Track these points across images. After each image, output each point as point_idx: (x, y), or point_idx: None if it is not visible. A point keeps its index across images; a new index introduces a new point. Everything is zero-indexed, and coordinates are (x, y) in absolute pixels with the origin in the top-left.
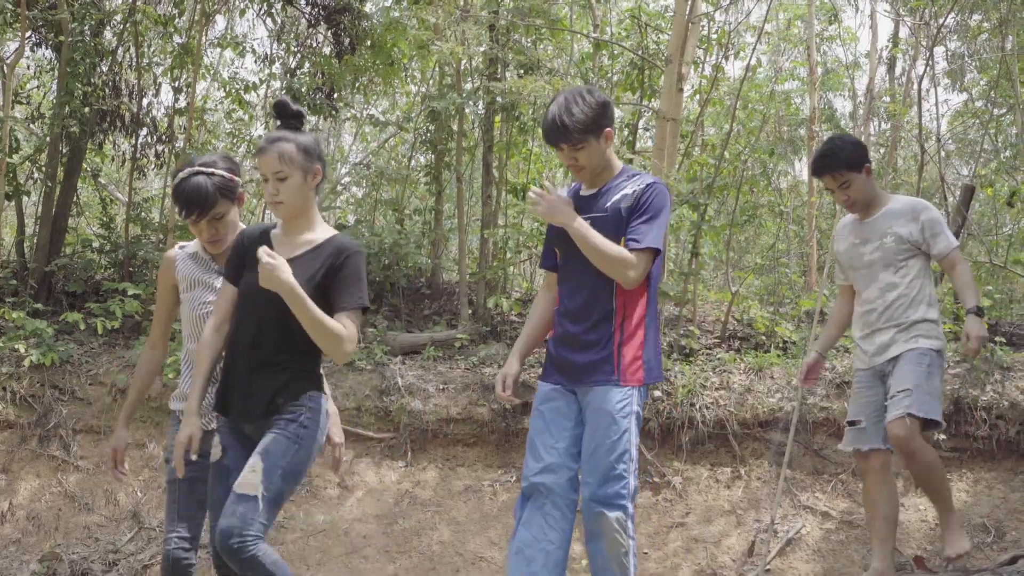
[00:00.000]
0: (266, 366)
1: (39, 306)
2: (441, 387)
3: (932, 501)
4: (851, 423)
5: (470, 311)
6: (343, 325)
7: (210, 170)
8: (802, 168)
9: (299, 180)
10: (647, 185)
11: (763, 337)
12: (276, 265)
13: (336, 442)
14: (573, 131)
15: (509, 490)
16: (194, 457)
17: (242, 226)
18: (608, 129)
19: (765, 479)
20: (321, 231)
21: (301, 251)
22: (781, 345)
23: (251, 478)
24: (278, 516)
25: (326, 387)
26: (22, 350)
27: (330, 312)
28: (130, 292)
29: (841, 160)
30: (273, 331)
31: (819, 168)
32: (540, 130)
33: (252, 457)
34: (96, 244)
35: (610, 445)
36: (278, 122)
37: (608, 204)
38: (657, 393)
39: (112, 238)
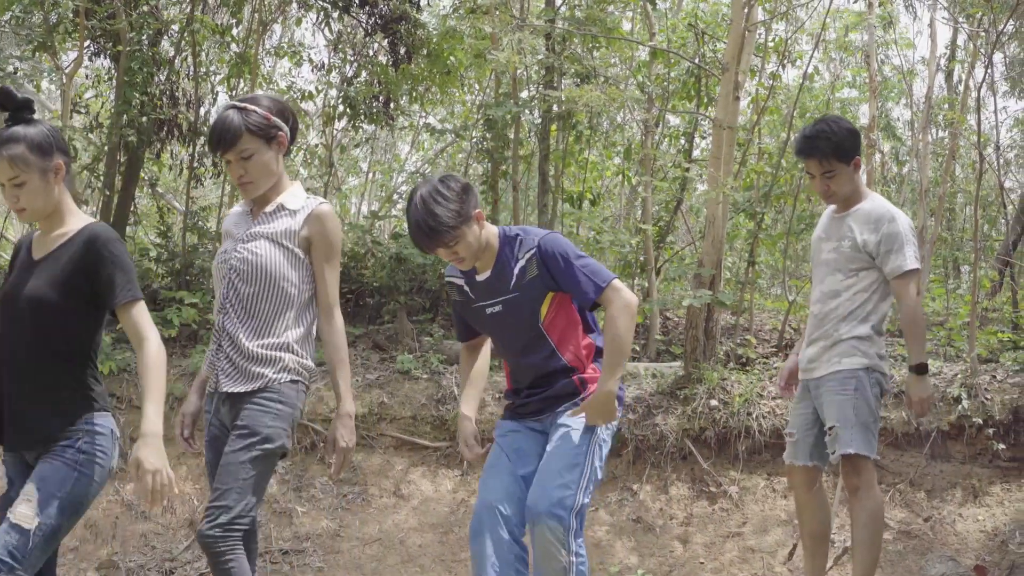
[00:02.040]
0: (34, 388)
1: None
2: (496, 396)
3: (855, 552)
4: (787, 433)
5: None
6: (138, 329)
7: (244, 105)
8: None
9: (38, 182)
10: (539, 246)
11: None
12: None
13: (340, 446)
14: (444, 232)
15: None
16: None
17: (289, 180)
18: (477, 211)
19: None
20: (75, 222)
21: (52, 248)
22: None
23: (26, 509)
24: (334, 524)
25: (106, 404)
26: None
27: (100, 314)
28: (187, 301)
29: (832, 146)
30: (35, 348)
31: (805, 150)
32: (595, 139)
33: (27, 484)
34: (153, 253)
35: (563, 453)
36: (5, 116)
37: (513, 282)
38: (713, 402)
39: (169, 247)
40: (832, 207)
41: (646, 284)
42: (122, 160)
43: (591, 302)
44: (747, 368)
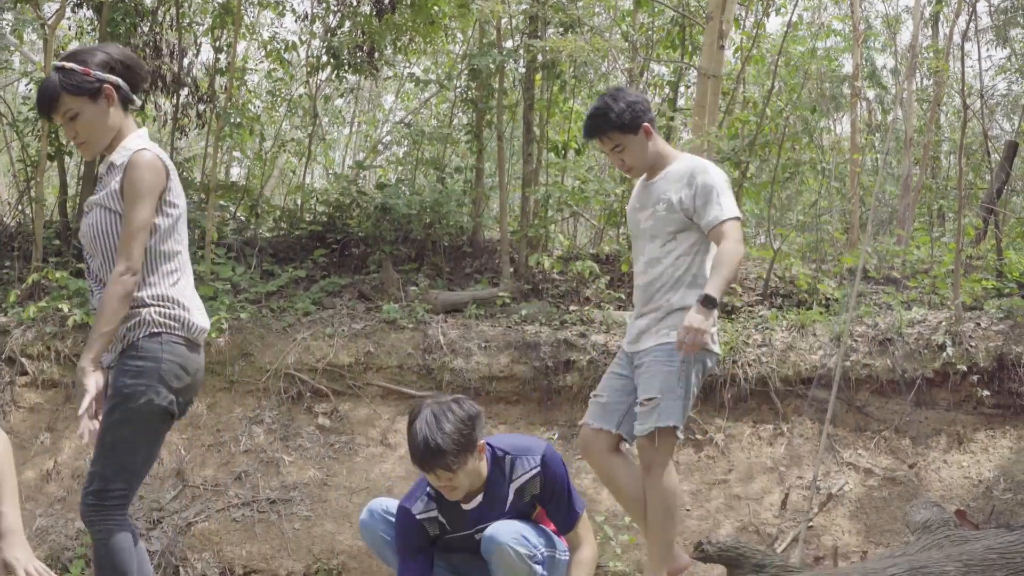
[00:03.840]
0: None
1: (82, 266)
2: (483, 345)
3: (648, 530)
4: (595, 394)
5: (511, 269)
6: None
7: (62, 64)
8: (844, 125)
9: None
10: (543, 464)
11: (805, 294)
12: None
13: (80, 414)
14: (449, 453)
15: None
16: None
17: (135, 128)
18: (482, 442)
19: (807, 436)
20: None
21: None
22: (823, 302)
23: None
24: (321, 473)
25: None
26: (65, 309)
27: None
28: None
29: (611, 122)
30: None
31: (588, 130)
32: (580, 89)
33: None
34: None
35: None
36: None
37: (508, 505)
38: None
39: None
40: (642, 177)
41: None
42: None
43: (568, 531)
44: (732, 316)
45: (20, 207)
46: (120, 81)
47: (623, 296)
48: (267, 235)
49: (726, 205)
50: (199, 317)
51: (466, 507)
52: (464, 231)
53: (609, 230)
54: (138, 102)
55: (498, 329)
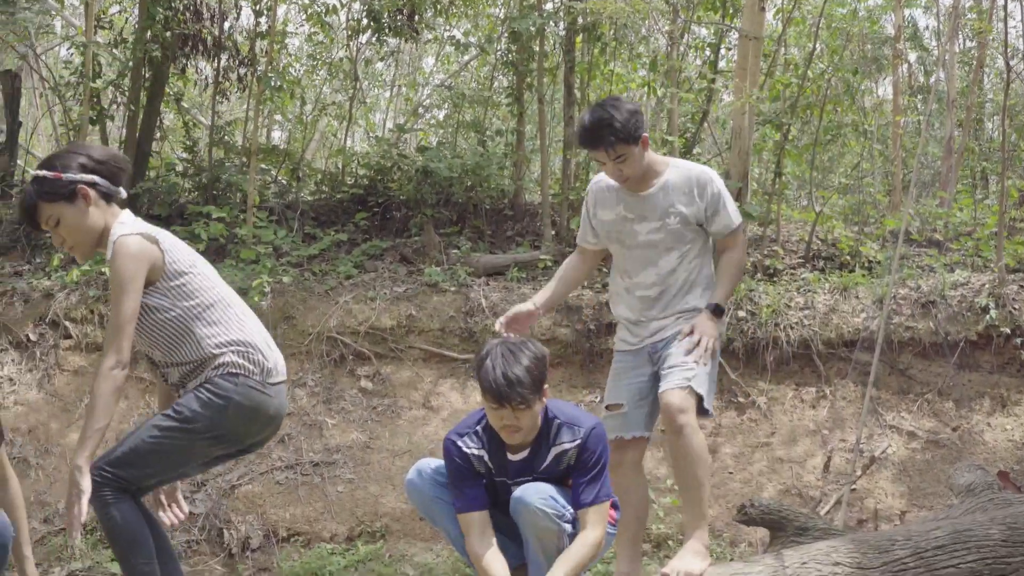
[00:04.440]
0: None
1: None
2: None
3: (684, 498)
4: (611, 407)
5: (553, 232)
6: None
7: (35, 173)
8: (886, 87)
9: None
10: (586, 439)
11: (847, 257)
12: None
13: (71, 508)
14: (524, 391)
15: (595, 410)
16: None
17: (120, 229)
18: (546, 387)
19: (850, 399)
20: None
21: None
22: (866, 264)
23: None
24: (364, 436)
25: None
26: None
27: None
28: (214, 215)
29: (617, 132)
30: None
31: (590, 141)
32: (621, 51)
33: None
34: (180, 168)
35: None
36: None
37: (545, 466)
38: (741, 313)
39: (196, 161)
40: (616, 184)
41: None
42: (147, 76)
43: (580, 507)
44: (775, 279)
45: None
46: (95, 179)
47: None
48: (309, 198)
49: (732, 212)
50: (275, 359)
51: (512, 457)
52: (505, 194)
53: None
54: (123, 194)
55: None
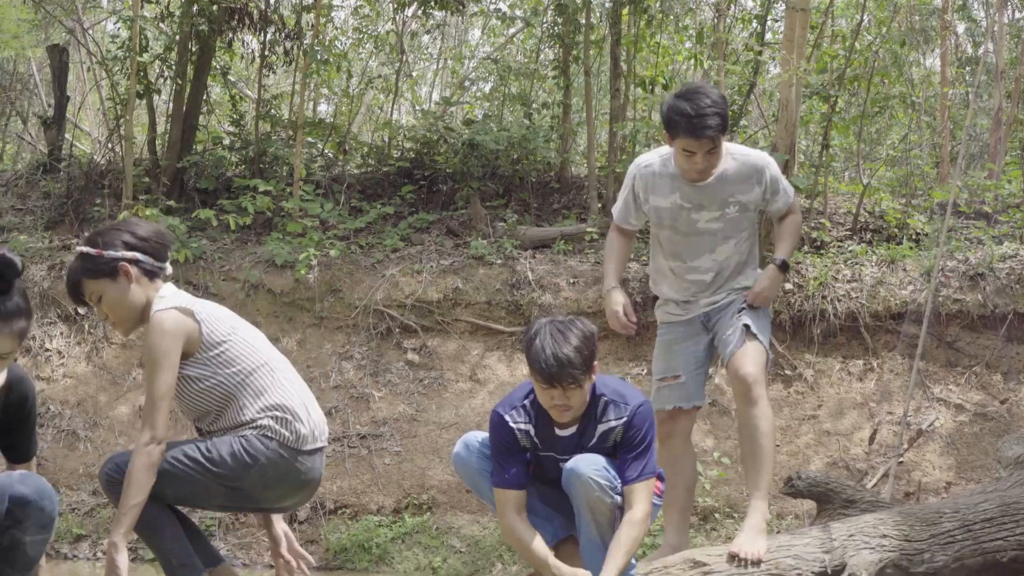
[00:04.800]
0: None
1: (172, 203)
2: (571, 281)
3: (751, 468)
4: (667, 378)
5: (599, 205)
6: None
7: (80, 249)
8: (934, 59)
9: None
10: (633, 416)
11: (895, 229)
12: None
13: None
14: (576, 369)
15: (640, 382)
16: None
17: (157, 304)
18: (596, 363)
19: (897, 372)
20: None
21: None
22: (913, 237)
23: None
24: (411, 409)
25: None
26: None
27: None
28: (261, 188)
29: (722, 121)
30: None
31: (698, 130)
32: (667, 23)
33: None
34: (226, 141)
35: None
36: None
37: (594, 442)
38: (788, 286)
39: (242, 135)
40: (666, 166)
41: None
42: (193, 49)
43: (626, 483)
44: (822, 252)
45: (110, 145)
46: (138, 256)
47: None
48: (355, 172)
49: (787, 188)
50: (313, 424)
51: (560, 433)
52: (551, 167)
53: None
54: (167, 270)
55: (586, 265)
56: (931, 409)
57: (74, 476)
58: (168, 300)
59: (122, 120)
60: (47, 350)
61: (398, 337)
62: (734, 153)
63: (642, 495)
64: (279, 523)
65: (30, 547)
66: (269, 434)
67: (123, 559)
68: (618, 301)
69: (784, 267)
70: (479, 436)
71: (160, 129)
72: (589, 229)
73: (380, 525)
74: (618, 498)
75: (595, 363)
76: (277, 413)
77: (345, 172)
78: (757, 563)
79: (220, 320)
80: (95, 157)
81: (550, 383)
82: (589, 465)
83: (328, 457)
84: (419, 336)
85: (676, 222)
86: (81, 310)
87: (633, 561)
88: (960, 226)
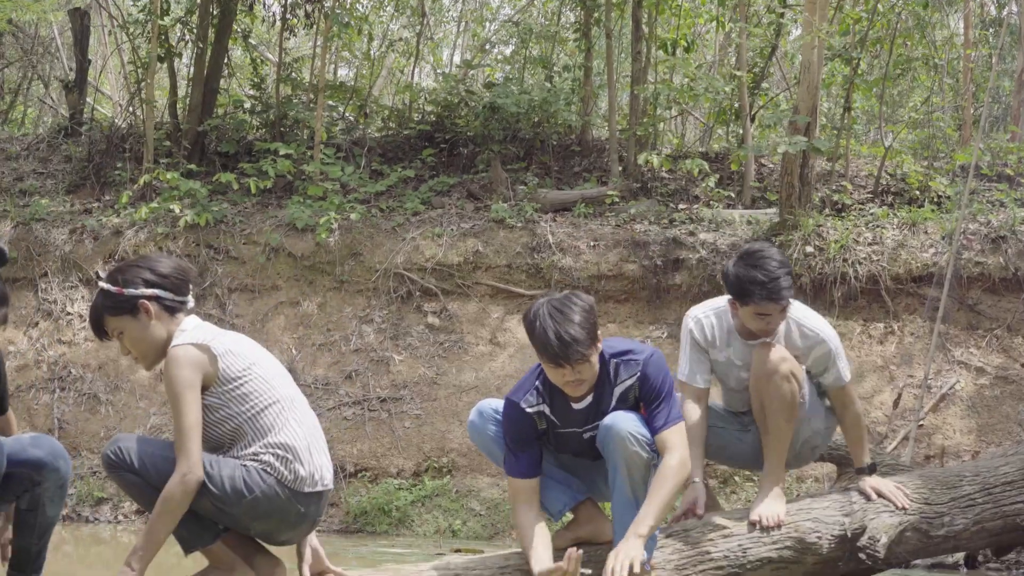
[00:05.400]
0: None
1: (193, 167)
2: (592, 244)
3: (771, 433)
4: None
5: (620, 168)
6: None
7: (101, 285)
8: (957, 20)
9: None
10: (644, 369)
11: (916, 192)
12: None
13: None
14: (581, 345)
15: (660, 345)
16: None
17: (177, 338)
18: (599, 333)
19: (918, 335)
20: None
21: None
22: (935, 200)
23: None
24: (431, 372)
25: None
26: (177, 210)
27: None
28: (282, 152)
29: (791, 282)
30: None
31: (775, 294)
32: None
33: None
34: (247, 105)
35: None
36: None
37: (612, 406)
38: (809, 249)
39: (263, 98)
40: (730, 326)
41: (741, 131)
42: (214, 13)
43: (656, 433)
44: (843, 214)
45: (131, 108)
46: (158, 292)
47: (732, 195)
48: (376, 135)
49: (843, 368)
50: (314, 467)
51: (576, 406)
52: (572, 130)
53: (718, 128)
54: (190, 304)
55: (607, 228)
56: (952, 372)
57: (95, 439)
58: (187, 335)
59: (143, 84)
60: (68, 314)
61: (418, 300)
62: (797, 318)
63: (674, 440)
64: (310, 535)
65: (49, 508)
66: (269, 470)
67: None
68: (690, 499)
69: (871, 470)
70: (493, 404)
71: (181, 93)
72: (610, 192)
73: (400, 488)
74: (654, 454)
75: (599, 332)
76: (279, 451)
77: (366, 135)
78: (777, 527)
79: (238, 355)
80: (116, 121)
81: (558, 363)
82: (624, 421)
83: (348, 420)
84: (439, 299)
85: (726, 377)
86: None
87: (657, 534)
88: (982, 189)
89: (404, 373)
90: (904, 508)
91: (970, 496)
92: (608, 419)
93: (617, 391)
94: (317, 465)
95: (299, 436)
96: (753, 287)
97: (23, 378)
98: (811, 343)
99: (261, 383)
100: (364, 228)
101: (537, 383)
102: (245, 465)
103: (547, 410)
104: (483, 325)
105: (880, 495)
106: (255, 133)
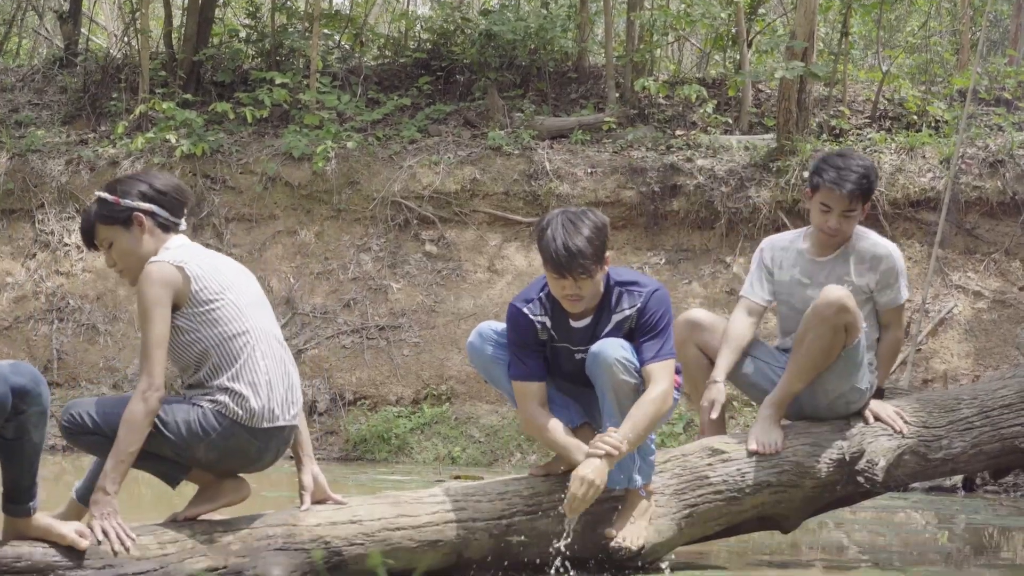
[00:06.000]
0: None
1: (188, 96)
2: (589, 171)
3: (800, 368)
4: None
5: (617, 94)
6: None
7: (99, 194)
8: None
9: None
10: (646, 302)
11: (914, 116)
12: None
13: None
14: (586, 260)
15: (659, 271)
16: None
17: (159, 255)
18: (608, 255)
19: (916, 259)
20: None
21: None
22: (933, 124)
23: None
24: (429, 300)
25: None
26: (173, 140)
27: None
28: (278, 81)
29: (870, 188)
30: None
31: (842, 183)
32: None
33: None
34: (243, 34)
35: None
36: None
37: (608, 330)
38: (806, 174)
39: (258, 27)
40: (798, 240)
41: (738, 56)
42: None
43: (644, 364)
44: (840, 139)
45: (126, 39)
46: (155, 208)
47: (729, 121)
48: (372, 63)
49: (903, 288)
50: (275, 403)
51: (575, 324)
52: (569, 56)
53: (716, 54)
54: (182, 225)
55: (604, 154)
56: (950, 296)
57: (94, 370)
58: (169, 253)
59: (138, 13)
60: (66, 245)
61: (416, 228)
62: (867, 237)
63: (659, 374)
64: (311, 465)
65: (35, 435)
66: (223, 410)
67: (113, 502)
68: (708, 398)
69: (878, 394)
70: (493, 326)
71: (176, 22)
72: (607, 119)
73: (399, 416)
74: (642, 381)
75: (607, 254)
76: (234, 388)
77: (362, 64)
78: (775, 455)
79: (213, 279)
80: (111, 51)
81: (560, 273)
82: (613, 348)
83: (347, 348)
84: (437, 227)
85: (791, 298)
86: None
87: (652, 447)
88: (980, 113)
89: (402, 301)
90: (902, 432)
91: (968, 419)
92: (597, 345)
93: (615, 318)
94: (277, 401)
95: (260, 370)
96: (825, 168)
97: (21, 309)
98: (881, 255)
99: (233, 310)
100: (361, 157)
101: (541, 294)
102: (200, 406)
103: (548, 323)
104: (481, 252)
105: (878, 419)
106: (251, 62)
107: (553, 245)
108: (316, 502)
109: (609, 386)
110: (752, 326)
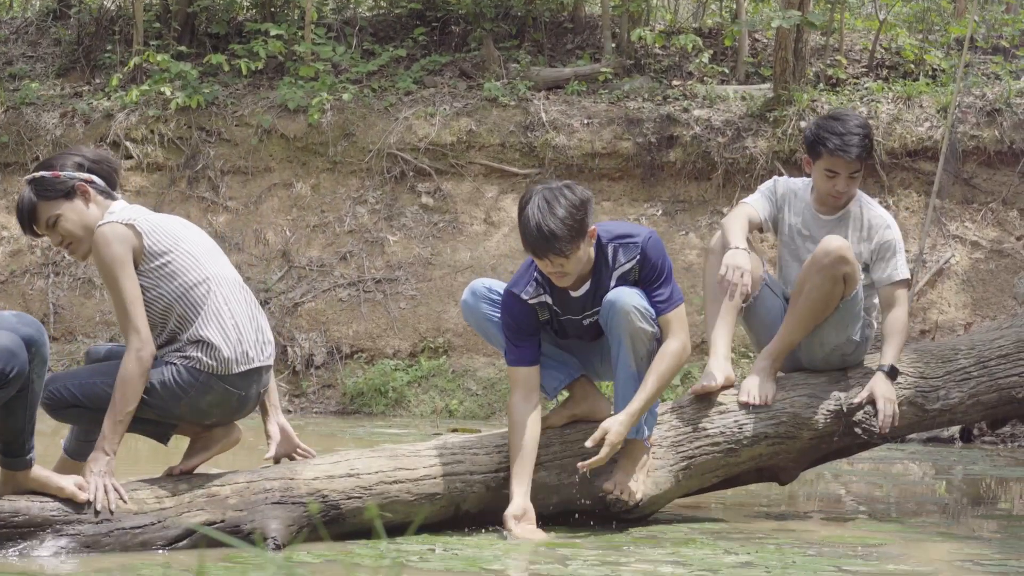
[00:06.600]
0: None
1: (183, 48)
2: (585, 121)
3: (799, 318)
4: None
5: (613, 45)
6: None
7: (32, 175)
8: None
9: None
10: (643, 251)
11: (911, 65)
12: None
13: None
14: (563, 240)
15: (656, 223)
16: None
17: (114, 220)
18: (592, 228)
19: (914, 209)
20: None
21: None
22: (930, 73)
23: None
24: (426, 252)
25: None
26: (168, 93)
27: None
28: (272, 32)
29: (871, 146)
30: None
31: (847, 148)
32: None
33: None
34: None
35: None
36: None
37: (613, 288)
38: (803, 124)
39: None
40: (807, 200)
41: (734, 6)
42: None
43: (659, 314)
44: (837, 89)
45: None
46: (93, 177)
47: (726, 71)
48: (367, 14)
49: (900, 265)
50: (247, 347)
51: (574, 294)
52: (565, 6)
53: (712, 3)
54: (118, 195)
55: (600, 105)
56: (947, 246)
57: (91, 324)
58: (115, 215)
59: None
60: None
61: (412, 180)
62: (867, 204)
63: (675, 325)
64: (277, 415)
65: (36, 384)
66: (197, 365)
67: (111, 462)
68: (732, 264)
69: (892, 373)
70: (486, 283)
71: None
72: (603, 69)
73: (396, 369)
74: (657, 329)
75: (591, 227)
76: (204, 335)
77: (357, 15)
78: (764, 406)
79: (163, 232)
80: (105, 3)
81: (536, 255)
82: (629, 296)
83: (343, 301)
84: (433, 179)
85: (791, 246)
86: (32, 240)
87: (657, 399)
88: (977, 61)
89: (399, 254)
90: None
91: (965, 369)
92: (611, 295)
93: (616, 274)
94: (249, 342)
95: (225, 314)
96: (827, 136)
97: (17, 263)
98: (879, 226)
99: (189, 259)
100: (356, 108)
101: (536, 274)
102: (173, 363)
103: (549, 300)
104: (477, 205)
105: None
106: (245, 14)
107: (528, 227)
108: (283, 453)
109: (626, 334)
110: (752, 221)
